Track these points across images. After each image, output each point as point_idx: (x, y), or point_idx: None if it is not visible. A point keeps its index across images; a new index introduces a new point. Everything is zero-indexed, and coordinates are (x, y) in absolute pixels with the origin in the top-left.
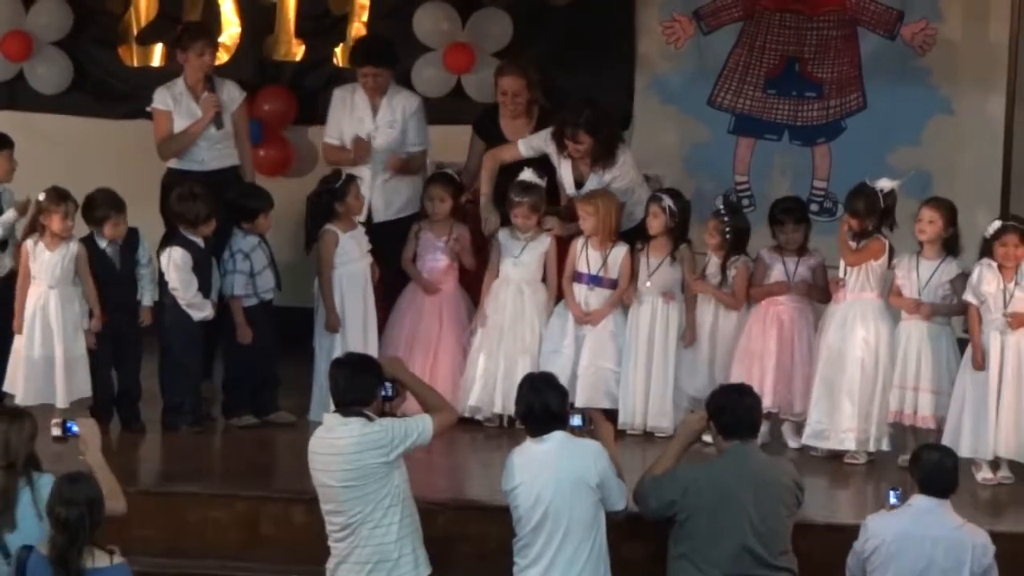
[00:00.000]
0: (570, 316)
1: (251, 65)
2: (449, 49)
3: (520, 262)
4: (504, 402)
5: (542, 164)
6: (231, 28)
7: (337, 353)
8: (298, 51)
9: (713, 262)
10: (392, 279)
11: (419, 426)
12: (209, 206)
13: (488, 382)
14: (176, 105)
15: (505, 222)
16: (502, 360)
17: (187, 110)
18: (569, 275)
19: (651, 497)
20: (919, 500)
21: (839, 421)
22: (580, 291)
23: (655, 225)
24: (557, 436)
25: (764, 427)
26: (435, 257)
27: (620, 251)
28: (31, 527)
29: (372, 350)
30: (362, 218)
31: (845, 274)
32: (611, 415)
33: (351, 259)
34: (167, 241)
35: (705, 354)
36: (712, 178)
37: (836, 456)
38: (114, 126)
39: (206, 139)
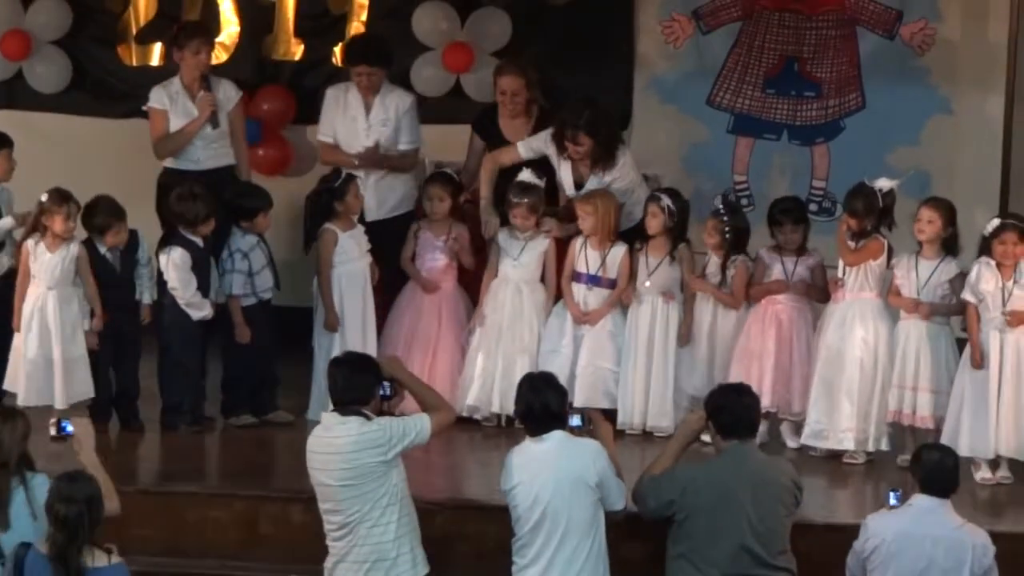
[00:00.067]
0: (569, 316)
1: (250, 64)
2: (448, 48)
3: (519, 262)
4: (502, 401)
5: (541, 164)
6: (230, 27)
7: (336, 352)
8: (297, 50)
9: (712, 262)
10: (386, 278)
11: (417, 425)
12: (208, 206)
13: (486, 381)
14: (172, 104)
15: (504, 222)
16: (500, 359)
17: (183, 109)
18: (568, 275)
19: (650, 497)
20: (920, 500)
21: (838, 421)
22: (579, 291)
23: (654, 225)
24: (556, 436)
25: (763, 427)
26: (434, 256)
27: (619, 251)
28: (25, 527)
29: (371, 349)
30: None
31: (844, 274)
32: (610, 415)
33: (350, 258)
34: (166, 241)
35: (704, 353)
36: (711, 178)
37: (835, 456)
38: (113, 125)
39: (202, 138)
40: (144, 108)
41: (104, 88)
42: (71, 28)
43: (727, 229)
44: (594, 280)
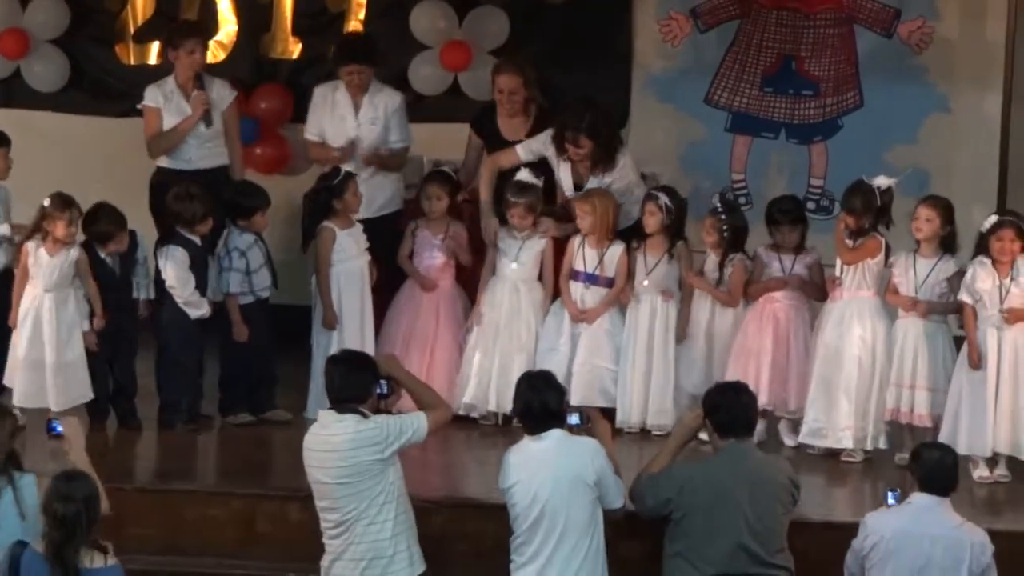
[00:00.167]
0: (566, 314)
1: (248, 63)
2: (446, 47)
3: (517, 261)
4: (499, 400)
5: (539, 164)
6: (228, 26)
7: (334, 350)
8: (295, 49)
9: (711, 260)
10: (378, 276)
11: (414, 423)
12: (206, 205)
13: (484, 380)
14: (166, 103)
15: (502, 221)
16: (498, 358)
17: (177, 108)
18: (566, 273)
19: (647, 495)
20: (918, 498)
21: (836, 419)
22: (576, 289)
23: (651, 223)
24: (555, 434)
25: (760, 425)
26: (432, 255)
27: (617, 250)
28: (13, 527)
29: (369, 347)
30: None
31: (841, 273)
32: (608, 413)
33: (348, 256)
34: (164, 240)
35: (702, 352)
36: (709, 176)
37: (833, 454)
38: (111, 124)
39: (195, 137)
40: (138, 107)
41: (102, 87)
42: (69, 27)
43: (725, 227)
44: (592, 279)
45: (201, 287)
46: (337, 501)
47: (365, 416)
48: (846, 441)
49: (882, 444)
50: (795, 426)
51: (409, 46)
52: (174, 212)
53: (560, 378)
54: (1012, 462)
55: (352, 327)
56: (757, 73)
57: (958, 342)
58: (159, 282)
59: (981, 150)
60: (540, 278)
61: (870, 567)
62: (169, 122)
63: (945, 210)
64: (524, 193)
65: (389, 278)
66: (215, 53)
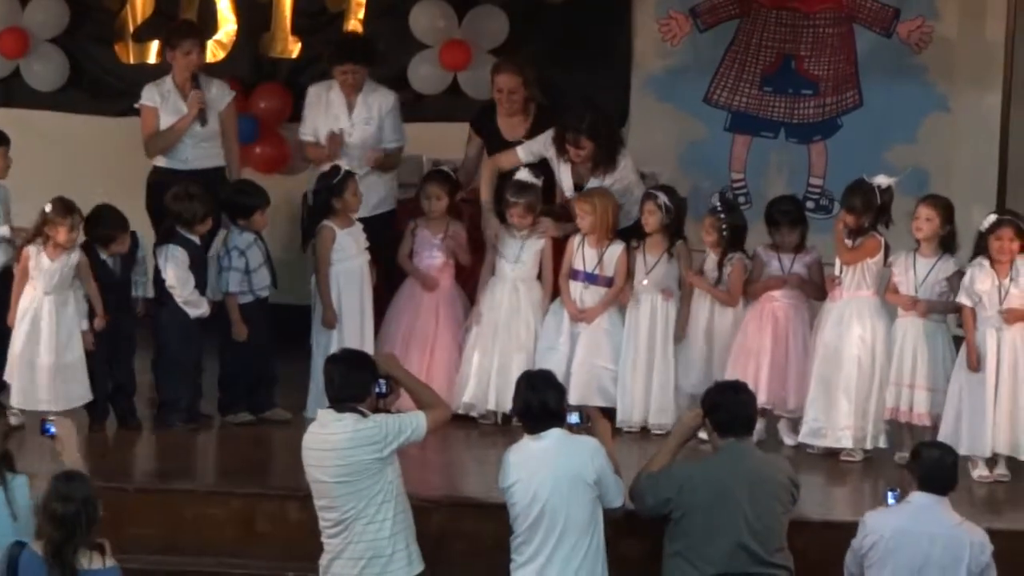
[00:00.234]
0: (565, 314)
1: (247, 62)
2: (445, 46)
3: (516, 261)
4: (499, 399)
5: (538, 163)
6: (227, 25)
7: (334, 350)
8: (294, 48)
9: (710, 259)
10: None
11: (413, 423)
12: (205, 205)
13: (483, 379)
14: (163, 102)
15: (501, 220)
16: (497, 357)
17: (174, 107)
18: (565, 272)
19: (647, 495)
20: (918, 497)
21: (836, 419)
22: (576, 289)
23: (651, 222)
24: (554, 433)
25: (760, 424)
26: (431, 254)
27: (616, 249)
28: (5, 528)
29: (368, 347)
30: None
31: (841, 272)
32: (608, 413)
33: (348, 256)
34: (164, 239)
35: (701, 351)
36: (708, 176)
37: (832, 453)
38: (110, 123)
39: (191, 137)
40: (136, 106)
41: (101, 86)
42: (68, 26)
43: (724, 227)
44: (591, 278)
45: (200, 286)
46: (336, 500)
47: (364, 415)
48: (846, 441)
49: (882, 443)
50: (795, 425)
51: (408, 45)
52: (174, 212)
53: (559, 377)
54: (1012, 461)
55: (352, 326)
56: (756, 72)
57: (957, 341)
58: (159, 281)
59: (980, 149)
60: (539, 277)
61: (869, 566)
62: (166, 121)
63: (945, 209)
64: (523, 193)
65: (383, 277)
66: (214, 52)
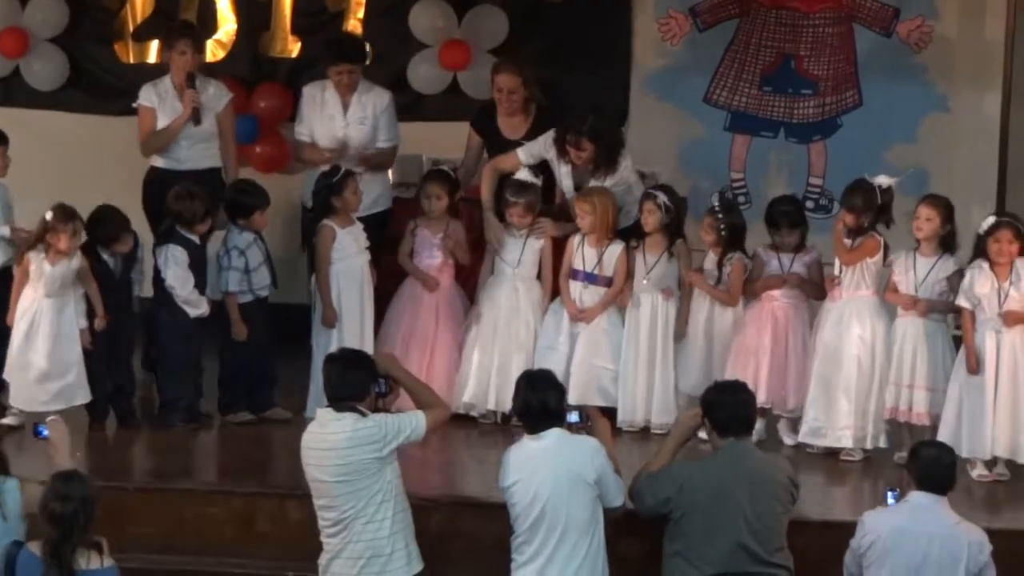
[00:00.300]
0: (565, 313)
1: (247, 62)
2: (445, 46)
3: (516, 260)
4: (498, 398)
5: (538, 163)
6: (227, 25)
7: (334, 349)
8: (294, 48)
9: (710, 259)
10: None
11: (412, 422)
12: (206, 205)
13: (482, 378)
14: (160, 102)
15: (500, 220)
16: (497, 356)
17: (171, 107)
18: (565, 272)
19: (647, 494)
20: (916, 496)
21: (836, 419)
22: (575, 288)
23: (651, 222)
24: (554, 433)
25: (760, 424)
26: (431, 254)
27: (616, 249)
28: None
29: (368, 346)
30: None
31: (840, 272)
32: (608, 413)
33: (348, 255)
34: (164, 238)
35: (700, 351)
36: (708, 175)
37: (832, 453)
38: (110, 123)
39: (187, 138)
40: (134, 105)
41: (101, 85)
42: (68, 25)
43: (722, 227)
44: (591, 278)
45: (200, 286)
46: (335, 499)
47: (363, 415)
48: (845, 440)
49: (882, 443)
50: (794, 425)
51: (408, 45)
52: (174, 211)
53: (559, 377)
54: (1011, 462)
55: (352, 326)
56: (756, 72)
57: (956, 341)
58: (158, 281)
59: (980, 149)
60: (539, 277)
61: (868, 566)
62: (163, 121)
63: (945, 209)
64: (523, 192)
65: (380, 277)
66: (214, 52)
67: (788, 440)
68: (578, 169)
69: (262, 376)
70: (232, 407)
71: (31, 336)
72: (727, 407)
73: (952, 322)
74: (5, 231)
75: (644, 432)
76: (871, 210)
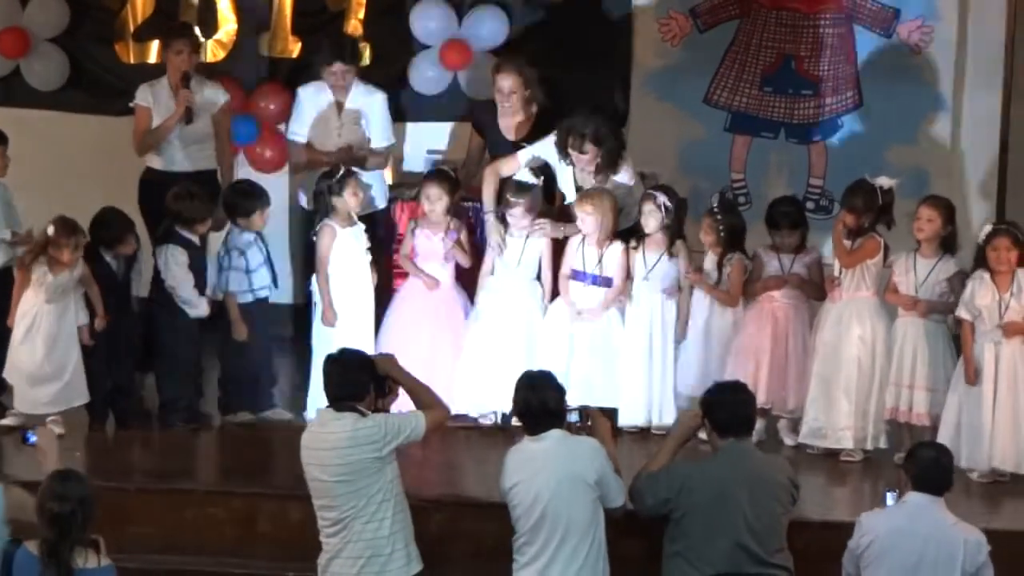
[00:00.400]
0: (565, 314)
1: (248, 62)
2: (445, 46)
3: (516, 261)
4: (499, 399)
5: (539, 166)
6: (228, 25)
7: (334, 349)
8: (295, 48)
9: (709, 259)
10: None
11: (412, 422)
12: (206, 205)
13: (482, 379)
14: (156, 102)
15: (501, 220)
16: (497, 357)
17: (166, 107)
18: (565, 273)
19: (647, 495)
20: (913, 497)
21: (836, 419)
22: (575, 288)
23: (650, 223)
24: (554, 434)
25: (760, 424)
26: (431, 254)
27: (616, 249)
28: None
29: (368, 347)
30: None
31: (840, 273)
32: (608, 413)
33: (349, 255)
34: (164, 239)
35: (700, 352)
36: (708, 176)
37: (832, 454)
38: (111, 123)
39: (180, 139)
40: (131, 105)
41: (101, 86)
42: (69, 25)
43: (721, 227)
44: (591, 278)
45: (200, 286)
46: (335, 499)
47: (363, 415)
48: (846, 441)
49: (882, 444)
50: (795, 425)
51: (409, 45)
52: (174, 211)
53: (559, 378)
54: None
55: (352, 326)
56: (756, 73)
57: (956, 341)
58: (158, 281)
59: (981, 150)
60: (539, 277)
61: (865, 566)
62: (158, 121)
63: (946, 210)
64: (523, 193)
65: (379, 277)
66: (215, 52)
67: (788, 441)
68: (579, 171)
69: (262, 376)
70: (232, 407)
71: (30, 338)
72: (727, 407)
73: (953, 325)
74: (6, 235)
75: (644, 433)
76: (871, 211)
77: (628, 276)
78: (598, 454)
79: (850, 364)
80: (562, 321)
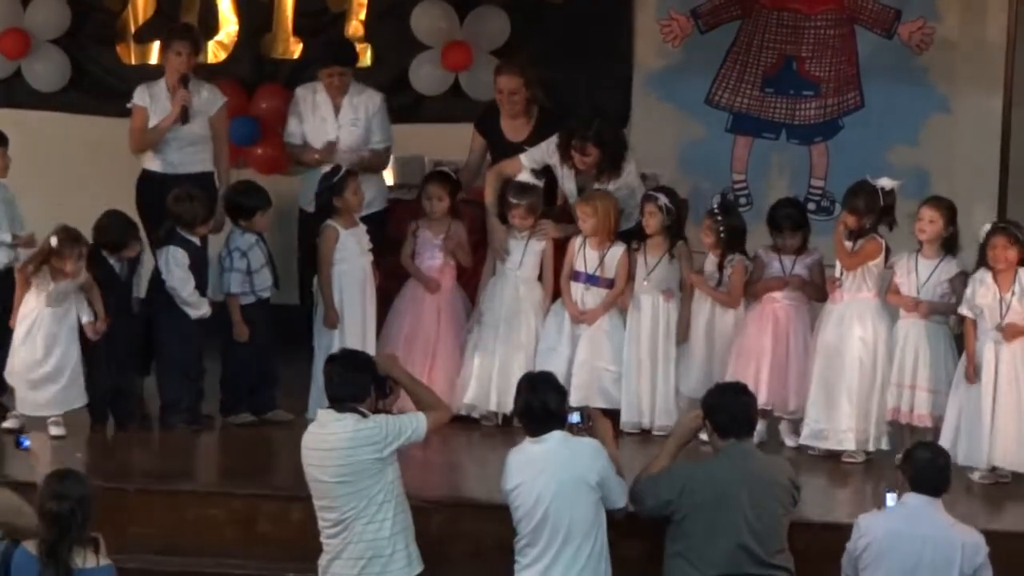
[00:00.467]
0: (566, 315)
1: (249, 63)
2: (447, 47)
3: (518, 262)
4: (500, 400)
5: (541, 168)
6: (229, 26)
7: (335, 350)
8: (296, 49)
9: (710, 260)
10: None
11: (413, 423)
12: (206, 207)
13: (484, 380)
14: (153, 103)
15: (502, 221)
16: (498, 358)
17: (162, 108)
18: (567, 274)
19: (647, 496)
20: (911, 498)
21: (838, 421)
22: (576, 290)
23: (652, 224)
24: (556, 436)
25: (761, 426)
26: (432, 255)
27: (617, 251)
28: None
29: (370, 348)
30: None
31: (841, 275)
32: (610, 414)
33: (351, 256)
34: (165, 240)
35: (701, 353)
36: (709, 177)
37: (833, 455)
38: (111, 124)
39: (175, 140)
40: (128, 105)
41: (102, 87)
42: (70, 27)
43: (721, 229)
44: (592, 279)
45: (201, 287)
46: (336, 500)
47: (364, 415)
48: (847, 443)
49: (884, 445)
50: (796, 427)
51: (410, 46)
52: (175, 213)
53: (560, 378)
54: None
55: (353, 327)
56: (758, 74)
57: (958, 341)
58: (159, 283)
59: (982, 151)
60: (540, 279)
61: (863, 568)
62: (154, 122)
63: (948, 211)
64: (525, 194)
65: (380, 278)
66: (216, 53)
67: (789, 442)
68: (582, 174)
69: (263, 377)
70: (233, 408)
71: (30, 340)
72: (728, 409)
73: (955, 325)
74: (6, 237)
75: (645, 434)
76: (873, 212)
77: (630, 277)
78: (600, 456)
79: (851, 365)
80: (563, 322)
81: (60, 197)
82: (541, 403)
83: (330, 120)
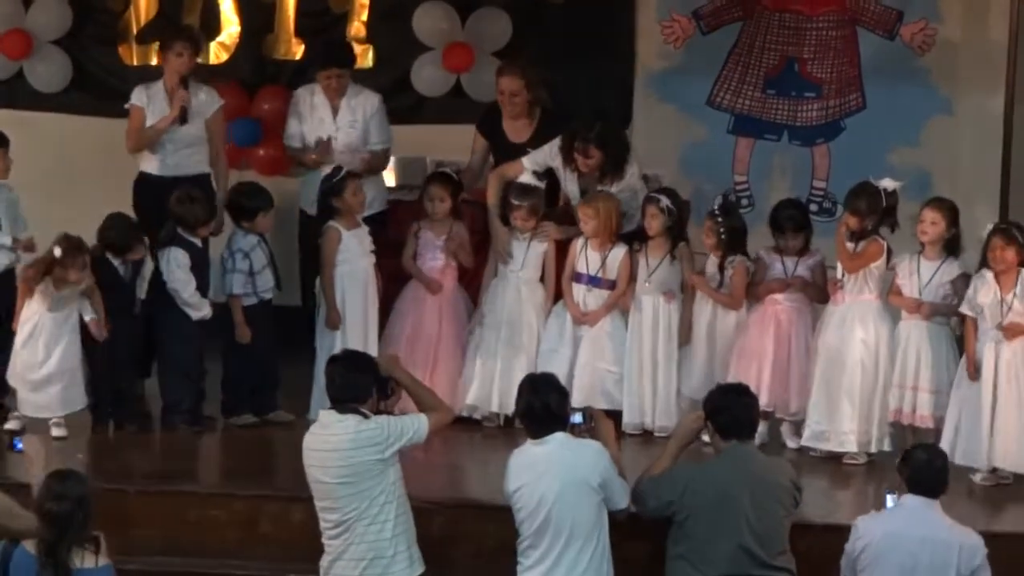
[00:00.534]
0: (568, 316)
1: (250, 64)
2: (448, 48)
3: (519, 263)
4: (502, 401)
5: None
6: (230, 27)
7: (337, 351)
8: (298, 50)
9: (711, 262)
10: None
11: (414, 424)
12: (207, 208)
13: (486, 381)
14: (150, 103)
15: (504, 222)
16: (500, 359)
17: (160, 109)
18: (568, 275)
19: (649, 498)
20: (909, 500)
21: (839, 422)
22: (578, 291)
23: (654, 225)
24: (557, 438)
25: (763, 427)
26: (434, 256)
27: (619, 252)
28: None
29: (372, 349)
30: None
31: (843, 276)
32: (612, 416)
33: (353, 257)
34: (166, 242)
35: (703, 355)
36: (711, 178)
37: (835, 456)
38: (113, 125)
39: (172, 142)
40: (126, 106)
41: (104, 88)
42: (71, 28)
43: (722, 230)
44: (594, 281)
45: (202, 288)
46: (338, 501)
47: (366, 416)
48: (849, 445)
49: (886, 446)
50: (797, 428)
51: (411, 47)
52: (176, 214)
53: (561, 380)
54: None
55: (356, 328)
56: (759, 75)
57: (959, 342)
58: (160, 284)
59: (984, 152)
60: (542, 280)
61: (861, 570)
62: (151, 122)
63: (950, 212)
64: (526, 196)
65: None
66: (217, 54)
67: (791, 443)
68: (584, 176)
69: (265, 379)
70: (235, 409)
71: (32, 342)
72: (730, 410)
73: (956, 326)
74: (7, 240)
75: (647, 435)
76: (875, 213)
77: (631, 279)
78: (602, 457)
79: (853, 367)
80: (565, 324)
81: (61, 198)
82: (543, 404)
83: (328, 121)
